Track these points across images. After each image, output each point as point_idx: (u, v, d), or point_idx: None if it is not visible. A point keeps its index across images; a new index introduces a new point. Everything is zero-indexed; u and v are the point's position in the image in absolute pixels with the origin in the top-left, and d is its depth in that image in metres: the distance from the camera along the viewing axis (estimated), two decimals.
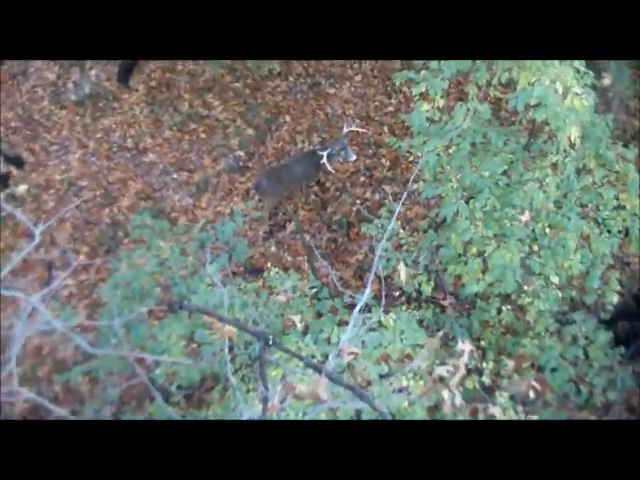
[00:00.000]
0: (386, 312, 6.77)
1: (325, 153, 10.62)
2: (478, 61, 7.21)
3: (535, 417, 5.62)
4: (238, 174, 12.13)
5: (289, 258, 11.12)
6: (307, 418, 4.96)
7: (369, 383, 5.99)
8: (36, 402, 4.60)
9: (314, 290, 8.18)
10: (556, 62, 6.74)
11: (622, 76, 10.08)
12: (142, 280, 7.75)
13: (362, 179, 12.00)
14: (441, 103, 7.42)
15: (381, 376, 6.18)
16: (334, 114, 12.76)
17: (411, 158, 11.76)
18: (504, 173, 7.73)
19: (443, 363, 4.19)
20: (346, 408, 5.09)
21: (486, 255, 7.50)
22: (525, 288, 7.92)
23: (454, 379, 4.06)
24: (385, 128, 12.64)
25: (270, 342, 4.01)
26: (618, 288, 8.22)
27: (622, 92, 10.67)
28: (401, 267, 5.48)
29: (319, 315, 7.97)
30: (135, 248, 8.60)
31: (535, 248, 7.78)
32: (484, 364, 7.15)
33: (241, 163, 12.27)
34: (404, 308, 8.19)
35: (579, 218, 7.79)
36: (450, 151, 7.80)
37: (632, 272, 10.11)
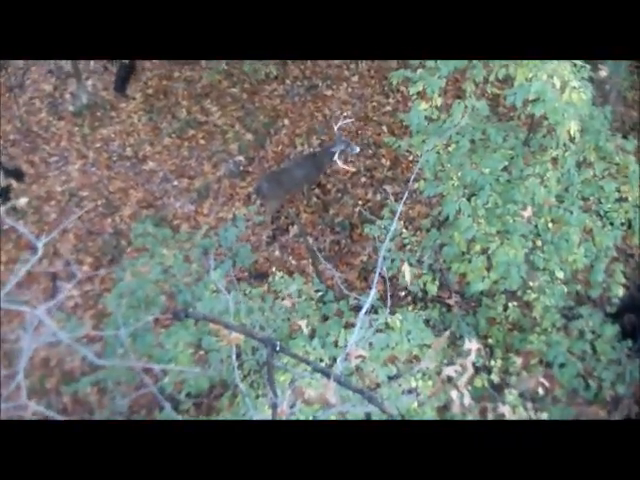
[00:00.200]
0: (392, 313, 6.77)
1: (337, 153, 10.65)
2: None
3: (545, 414, 5.61)
4: (239, 179, 12.12)
5: (293, 262, 11.11)
6: None
7: (378, 385, 5.98)
8: (44, 415, 4.58)
9: (319, 293, 8.17)
10: None
11: (619, 68, 10.08)
12: (147, 289, 7.75)
13: (363, 180, 12.00)
14: (439, 101, 7.41)
15: (390, 378, 6.17)
16: (332, 116, 12.74)
17: (411, 157, 11.78)
18: (505, 169, 7.72)
19: (451, 363, 4.18)
20: (355, 411, 5.08)
21: (490, 252, 7.49)
22: (530, 284, 7.91)
23: (462, 379, 4.05)
24: (384, 128, 12.63)
25: (277, 348, 4.00)
26: (623, 281, 8.20)
27: (619, 84, 10.67)
28: (405, 267, 5.46)
29: (325, 318, 7.96)
30: (138, 257, 8.61)
31: (539, 243, 7.77)
32: (492, 362, 7.15)
33: (241, 168, 12.26)
34: (410, 308, 8.20)
35: (581, 212, 7.78)
36: (450, 149, 7.80)
37: (636, 264, 10.11)
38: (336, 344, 6.79)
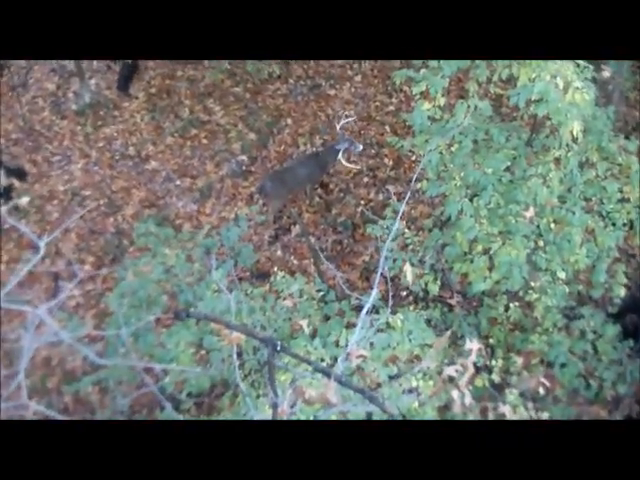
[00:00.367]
0: (393, 313, 6.77)
1: (341, 151, 10.66)
2: None
3: (545, 414, 5.60)
4: (241, 179, 12.12)
5: (295, 262, 11.11)
6: None
7: (379, 385, 5.98)
8: (45, 415, 4.59)
9: (321, 293, 8.18)
10: None
11: (621, 68, 10.09)
12: (148, 288, 7.75)
13: (365, 180, 11.99)
14: (442, 101, 7.41)
15: (390, 377, 6.18)
16: (335, 115, 12.72)
17: (414, 157, 11.76)
18: (507, 169, 7.72)
19: (452, 363, 4.17)
20: (356, 411, 5.08)
21: (492, 252, 7.50)
22: (532, 284, 7.91)
23: (463, 378, 4.04)
24: (387, 128, 12.63)
25: (278, 348, 4.00)
26: (625, 281, 8.22)
27: (622, 84, 10.67)
28: (407, 267, 5.46)
29: (327, 318, 7.97)
30: (140, 256, 8.62)
31: (541, 244, 7.78)
32: (493, 362, 7.15)
33: (244, 167, 12.26)
34: (411, 308, 8.20)
35: (583, 212, 7.79)
36: (452, 149, 7.80)
37: (638, 264, 10.10)
38: (337, 344, 6.79)
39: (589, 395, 8.02)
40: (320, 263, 9.96)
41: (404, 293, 9.91)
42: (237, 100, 13.24)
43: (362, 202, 11.68)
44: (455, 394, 4.04)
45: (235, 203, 11.80)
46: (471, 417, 5.00)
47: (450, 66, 7.16)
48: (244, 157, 12.39)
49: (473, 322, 8.56)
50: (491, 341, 8.31)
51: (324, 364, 6.26)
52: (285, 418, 4.13)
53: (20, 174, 12.06)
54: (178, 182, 12.12)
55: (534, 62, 6.67)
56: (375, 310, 6.36)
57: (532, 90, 6.69)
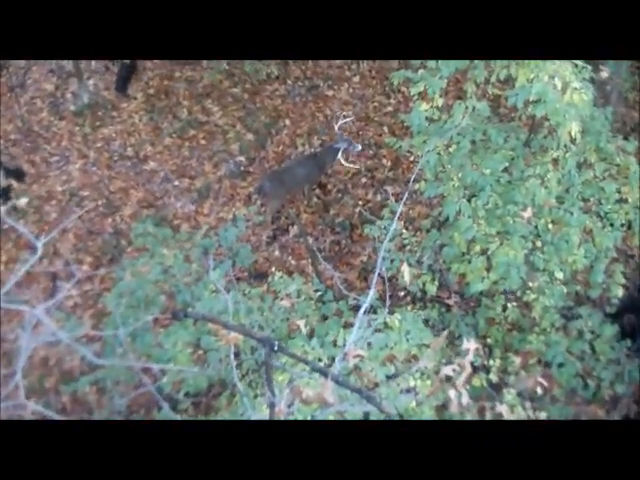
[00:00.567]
0: (391, 313, 6.76)
1: (340, 151, 10.67)
2: None
3: (543, 413, 5.59)
4: (239, 179, 12.12)
5: (293, 262, 11.11)
6: None
7: (376, 385, 5.98)
8: (43, 414, 4.58)
9: (319, 293, 8.17)
10: None
11: (620, 69, 10.09)
12: (146, 288, 7.75)
13: (364, 180, 11.99)
14: (440, 102, 7.42)
15: (388, 377, 6.17)
16: (333, 116, 12.72)
17: (412, 158, 11.74)
18: (505, 170, 7.72)
19: (449, 362, 4.18)
20: (354, 411, 5.08)
21: (490, 253, 7.50)
22: (530, 284, 7.92)
23: (460, 378, 4.05)
24: (385, 128, 12.63)
25: (275, 348, 4.00)
26: (623, 281, 8.22)
27: (620, 85, 10.67)
28: (405, 267, 5.47)
29: (324, 318, 7.96)
30: (138, 256, 8.62)
31: (538, 244, 7.77)
32: (491, 362, 7.14)
33: (242, 168, 12.26)
34: (409, 308, 8.21)
35: (581, 213, 7.79)
36: (450, 150, 7.80)
37: (636, 265, 10.11)
38: (335, 344, 6.79)
39: (587, 395, 8.02)
40: (318, 263, 9.96)
41: (402, 293, 9.90)
42: (235, 101, 13.24)
43: (360, 202, 11.68)
44: (453, 394, 4.05)
45: (233, 203, 11.80)
46: (469, 417, 5.01)
47: (448, 67, 7.16)
48: (242, 158, 12.39)
49: (471, 322, 8.56)
50: (489, 341, 8.31)
51: (321, 364, 6.26)
52: (282, 418, 4.13)
53: (18, 175, 12.06)
54: (176, 182, 12.12)
55: (532, 62, 6.67)
56: (373, 310, 6.37)
57: (530, 91, 6.69)
